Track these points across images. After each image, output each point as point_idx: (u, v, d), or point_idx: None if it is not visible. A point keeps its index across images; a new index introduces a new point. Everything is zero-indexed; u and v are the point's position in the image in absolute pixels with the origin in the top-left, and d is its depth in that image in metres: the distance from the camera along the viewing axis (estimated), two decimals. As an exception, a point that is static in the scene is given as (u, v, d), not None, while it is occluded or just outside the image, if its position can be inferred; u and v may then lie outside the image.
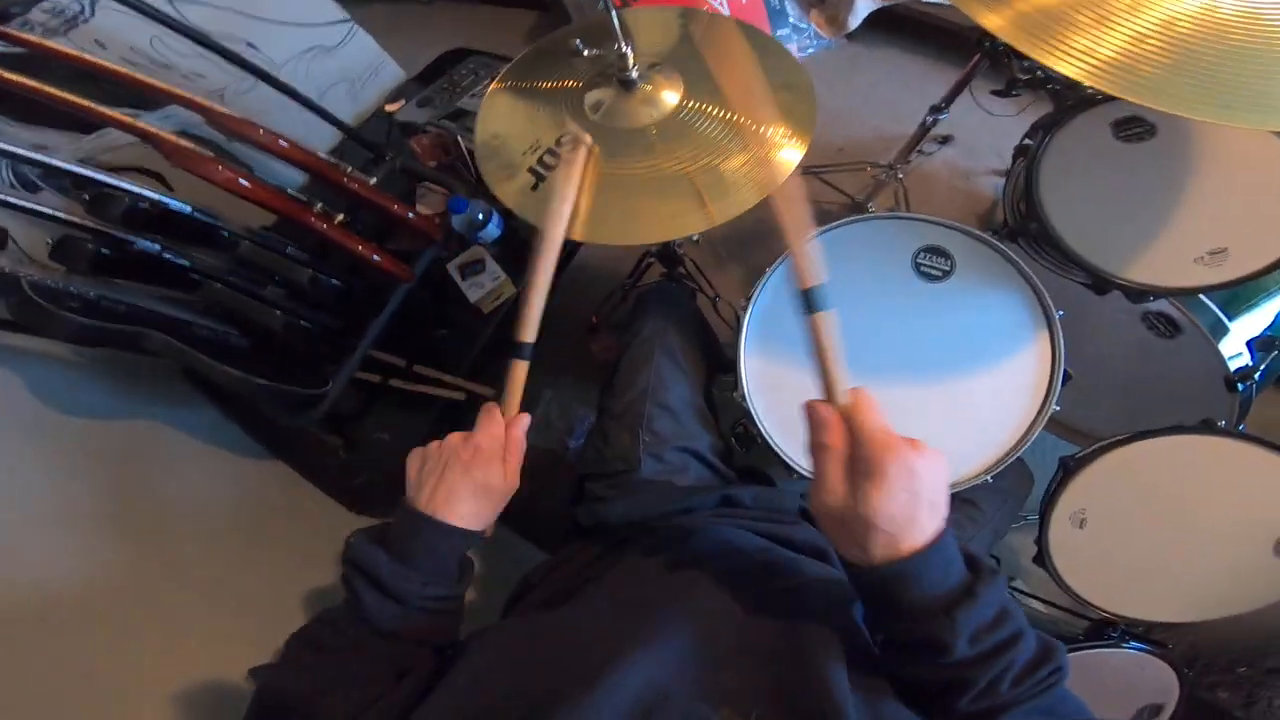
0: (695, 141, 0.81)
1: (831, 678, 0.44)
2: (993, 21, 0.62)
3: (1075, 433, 1.19)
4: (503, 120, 0.90)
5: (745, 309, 0.88)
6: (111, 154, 1.00)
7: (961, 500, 0.84)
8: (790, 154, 0.78)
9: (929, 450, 0.46)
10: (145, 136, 0.82)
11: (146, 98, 0.92)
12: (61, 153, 0.83)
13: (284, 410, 1.06)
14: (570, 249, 1.42)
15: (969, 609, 0.43)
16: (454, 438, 0.61)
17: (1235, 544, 0.84)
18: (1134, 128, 0.92)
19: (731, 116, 0.82)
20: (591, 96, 0.86)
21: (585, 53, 0.84)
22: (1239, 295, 0.96)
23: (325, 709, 0.50)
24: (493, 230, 1.20)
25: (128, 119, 0.81)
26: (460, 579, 0.60)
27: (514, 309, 1.26)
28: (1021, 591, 1.14)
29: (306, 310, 1.05)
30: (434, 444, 0.61)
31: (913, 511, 0.44)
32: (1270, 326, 0.97)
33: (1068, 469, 0.89)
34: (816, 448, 0.48)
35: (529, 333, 0.66)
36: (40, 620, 0.77)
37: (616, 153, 0.82)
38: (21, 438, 0.91)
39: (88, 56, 0.83)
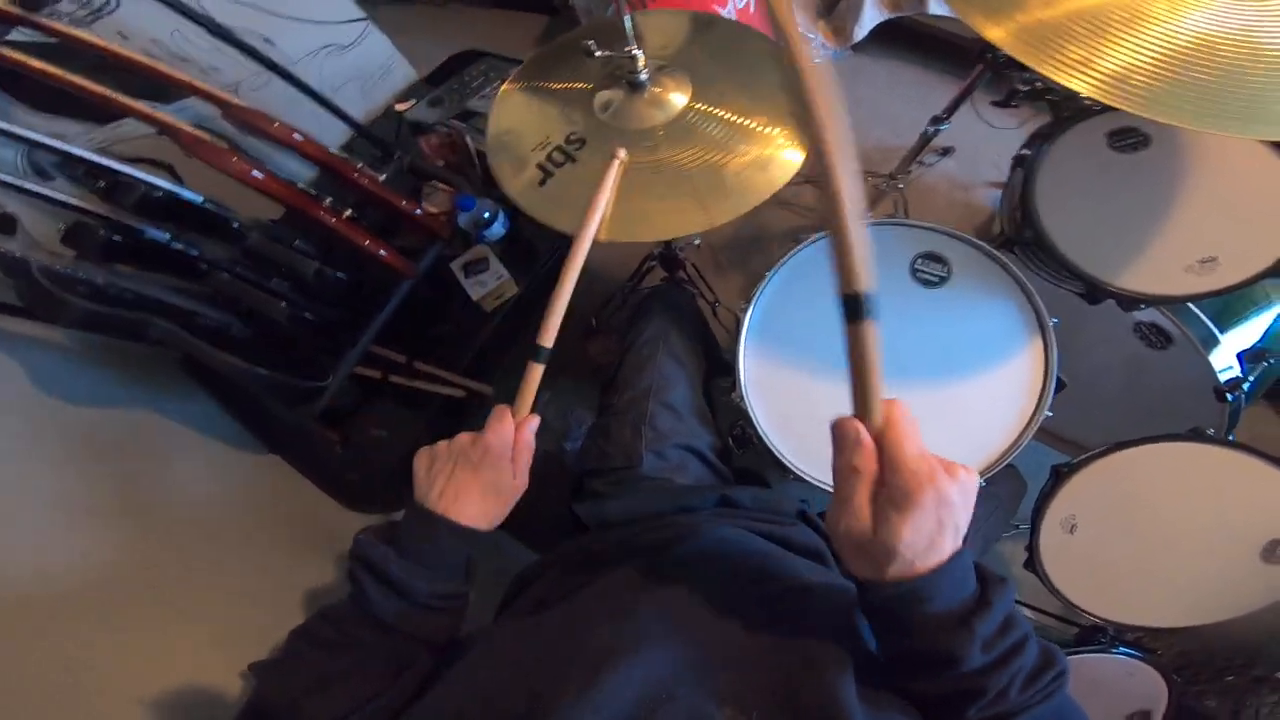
0: (701, 143, 0.83)
1: (836, 682, 0.43)
2: (995, 33, 0.64)
3: (1068, 443, 1.21)
4: (514, 117, 0.92)
5: (745, 312, 0.89)
6: (125, 145, 1.01)
7: None
8: (792, 155, 0.80)
9: (963, 474, 0.44)
10: (164, 128, 0.84)
11: (162, 90, 0.94)
12: (78, 141, 0.84)
13: (284, 402, 1.06)
14: (565, 256, 1.43)
15: (982, 620, 0.42)
16: (463, 438, 0.61)
17: (1222, 551, 0.85)
18: (1129, 138, 0.94)
19: (737, 119, 0.84)
20: (601, 97, 0.88)
21: (597, 54, 0.85)
22: (1230, 308, 0.98)
23: (324, 704, 0.50)
24: (497, 229, 1.22)
25: (148, 109, 0.83)
26: (466, 578, 0.60)
27: (516, 308, 1.28)
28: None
29: (310, 303, 1.05)
30: (443, 443, 0.62)
31: (937, 538, 0.43)
32: (1261, 339, 0.99)
33: (1059, 475, 0.90)
34: (845, 470, 0.44)
35: (549, 338, 0.68)
36: (33, 607, 0.77)
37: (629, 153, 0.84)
38: (19, 425, 0.92)
39: (114, 47, 0.85)
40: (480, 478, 0.59)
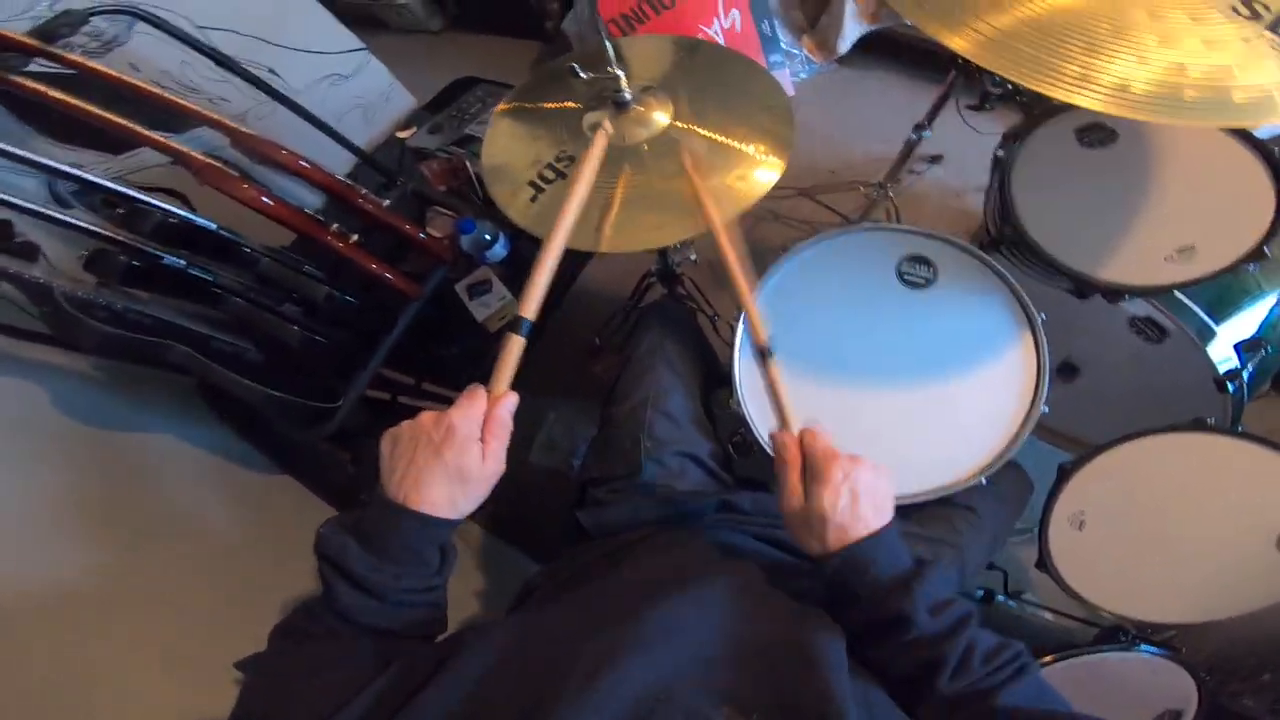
0: (682, 159, 0.86)
1: (833, 681, 0.45)
2: (956, 42, 0.66)
3: (1071, 440, 1.21)
4: (507, 140, 0.95)
5: (739, 319, 0.91)
6: (140, 175, 1.05)
7: (959, 506, 0.85)
8: (768, 174, 0.85)
9: (868, 462, 0.58)
10: (177, 156, 0.87)
11: (174, 120, 0.97)
12: (95, 171, 0.87)
13: (296, 424, 1.09)
14: (572, 271, 1.46)
15: (921, 583, 0.52)
16: (425, 417, 0.56)
17: (1235, 542, 0.84)
18: (1096, 134, 0.97)
19: (717, 136, 0.88)
20: (589, 117, 0.92)
21: (582, 76, 0.89)
22: (1224, 298, 0.98)
23: (312, 696, 0.48)
24: (499, 251, 1.25)
25: (162, 139, 0.86)
26: (440, 569, 0.57)
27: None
28: (1031, 603, 1.15)
29: (321, 326, 1.08)
30: (406, 424, 0.57)
31: (856, 507, 0.56)
32: (1257, 329, 0.99)
33: (1063, 472, 0.90)
34: (779, 465, 0.60)
35: (530, 309, 0.65)
36: (45, 622, 0.79)
37: (611, 168, 0.87)
38: (39, 444, 0.94)
39: (127, 77, 0.88)
40: (443, 462, 0.54)
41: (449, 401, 1.20)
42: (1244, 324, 0.99)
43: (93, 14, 0.87)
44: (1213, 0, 0.64)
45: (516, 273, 1.27)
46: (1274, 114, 0.59)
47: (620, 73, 0.87)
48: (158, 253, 0.89)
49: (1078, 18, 0.64)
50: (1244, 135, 0.92)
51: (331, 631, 0.53)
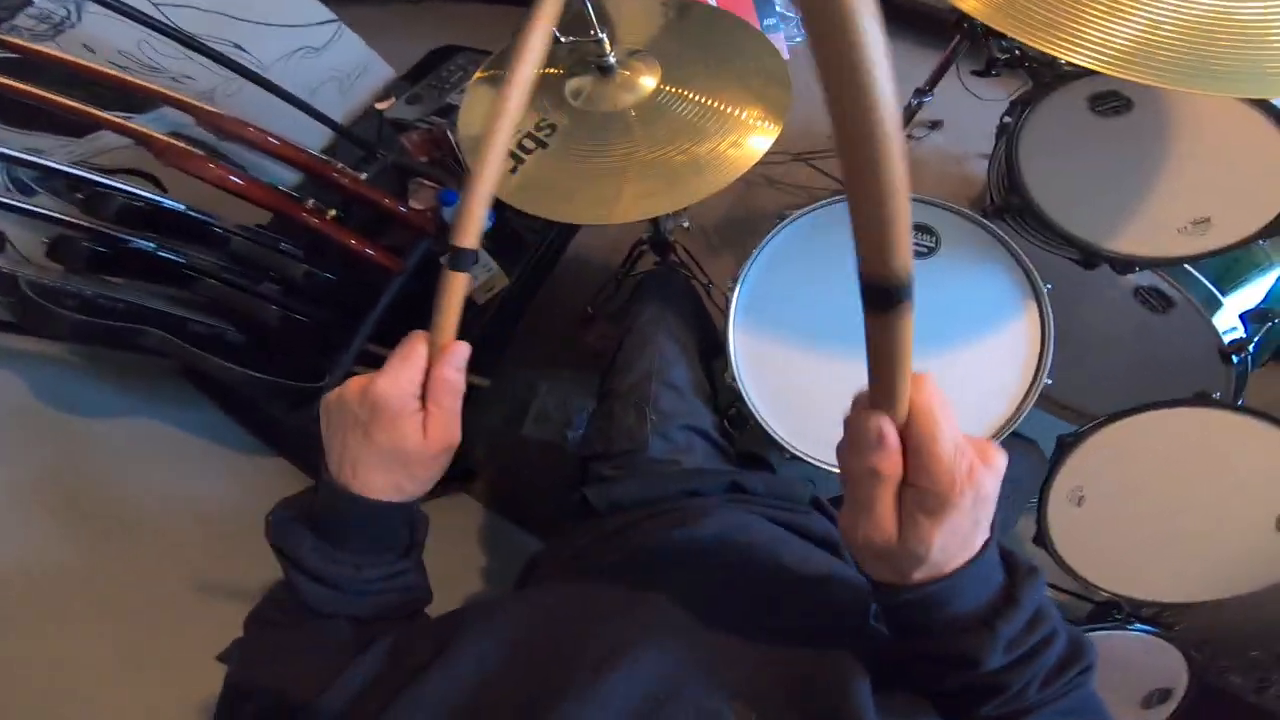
0: (672, 125, 0.83)
1: (849, 678, 0.40)
2: (968, 3, 0.63)
3: (1072, 411, 1.19)
4: (486, 109, 0.91)
5: (732, 291, 0.89)
6: (105, 157, 1.01)
7: None
8: (762, 140, 0.80)
9: (998, 457, 0.38)
10: (136, 137, 0.84)
11: (137, 100, 0.94)
12: (56, 155, 0.84)
13: (282, 405, 1.06)
14: (559, 243, 1.43)
15: (1007, 620, 0.39)
16: (351, 386, 0.46)
17: (1236, 522, 0.83)
18: (1110, 102, 0.93)
19: (708, 101, 0.84)
20: (572, 84, 0.88)
21: (563, 40, 0.85)
22: (1231, 270, 0.96)
23: (294, 682, 0.43)
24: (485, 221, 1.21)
25: (119, 120, 0.82)
26: (407, 551, 0.51)
27: (508, 299, 1.27)
28: None
29: (301, 305, 1.06)
30: (333, 394, 0.47)
31: (970, 538, 0.38)
32: (1264, 300, 0.98)
33: (1063, 446, 0.89)
34: (863, 473, 0.37)
35: (470, 237, 0.49)
36: (35, 611, 0.78)
37: (597, 136, 0.84)
38: (23, 436, 0.93)
39: (78, 60, 0.85)
40: (375, 443, 0.45)
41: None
42: (1251, 294, 0.97)
43: None
44: None
45: (502, 244, 1.24)
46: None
47: (604, 36, 0.83)
48: (123, 236, 0.87)
49: None
50: (1266, 106, 0.88)
51: (299, 621, 0.47)
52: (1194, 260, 0.89)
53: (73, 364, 1.03)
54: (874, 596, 0.43)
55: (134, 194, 0.87)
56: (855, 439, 0.37)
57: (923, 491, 0.36)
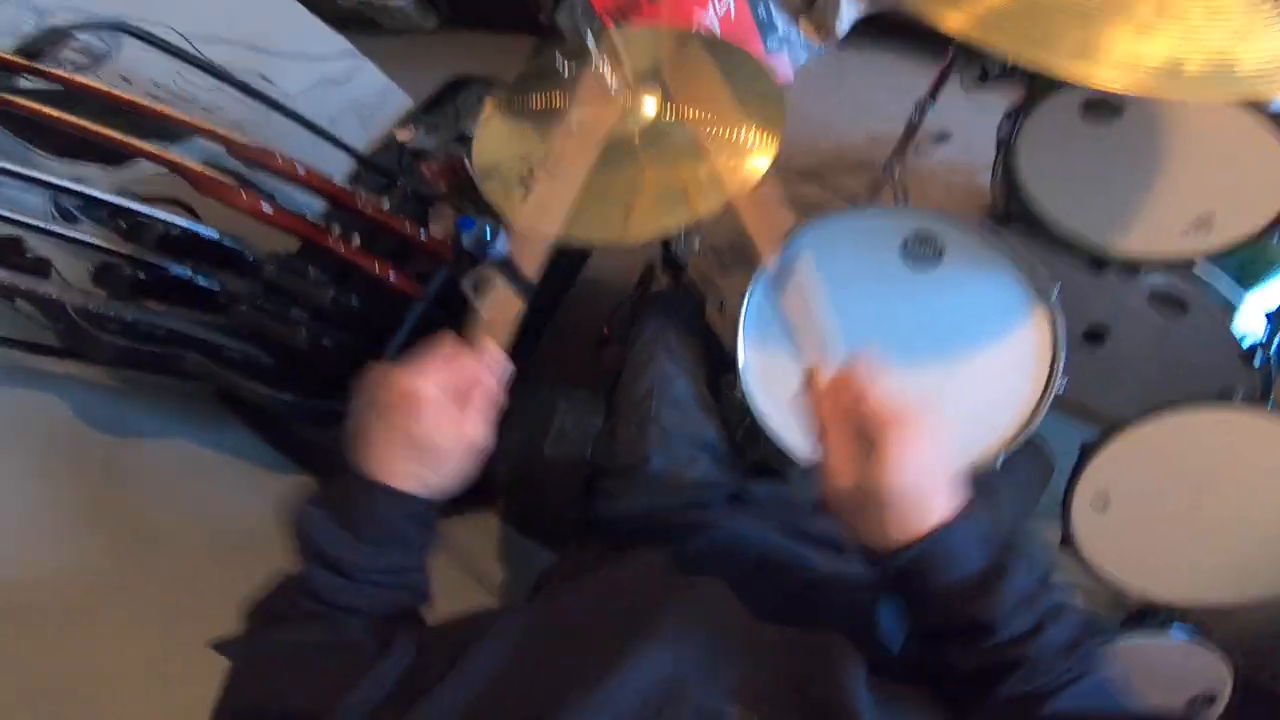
0: (675, 147, 0.86)
1: (848, 681, 0.42)
2: (950, 21, 0.65)
3: (1094, 414, 1.17)
4: (498, 138, 0.95)
5: (742, 305, 0.90)
6: (143, 185, 1.06)
7: (977, 489, 0.84)
8: (761, 160, 0.83)
9: (934, 416, 0.45)
10: (174, 168, 0.88)
11: (171, 130, 0.98)
12: (98, 185, 0.88)
13: (310, 425, 1.10)
14: (573, 268, 1.46)
15: (1010, 578, 0.42)
16: (390, 376, 0.48)
17: (1266, 522, 0.83)
18: (1102, 107, 0.94)
19: (710, 127, 0.86)
20: (576, 113, 0.88)
21: (567, 73, 0.88)
22: (1249, 268, 0.96)
23: (306, 683, 0.44)
24: (501, 248, 1.24)
25: (159, 151, 0.87)
26: (419, 547, 0.52)
27: (524, 323, 1.30)
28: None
29: (328, 330, 1.08)
30: (373, 377, 0.50)
31: (926, 483, 0.43)
32: None
33: (1086, 450, 0.88)
34: (818, 426, 0.47)
35: (531, 268, 0.55)
36: (70, 622, 0.80)
37: (602, 161, 0.85)
38: (61, 457, 0.96)
39: (117, 91, 0.89)
40: (404, 433, 0.47)
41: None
42: (1272, 292, 0.97)
43: (78, 30, 0.87)
44: None
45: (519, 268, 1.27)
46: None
47: (605, 66, 0.85)
48: (163, 264, 0.91)
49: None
50: (1253, 105, 0.90)
51: (309, 614, 0.48)
52: (1200, 260, 0.89)
53: (110, 387, 1.08)
54: (883, 576, 0.47)
55: (171, 221, 0.91)
56: (807, 398, 0.47)
57: (863, 423, 0.43)
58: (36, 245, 0.95)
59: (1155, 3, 0.61)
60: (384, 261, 1.07)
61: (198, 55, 1.03)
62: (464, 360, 0.51)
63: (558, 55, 0.92)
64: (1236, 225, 0.87)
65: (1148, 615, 0.93)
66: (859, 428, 0.44)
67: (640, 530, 0.73)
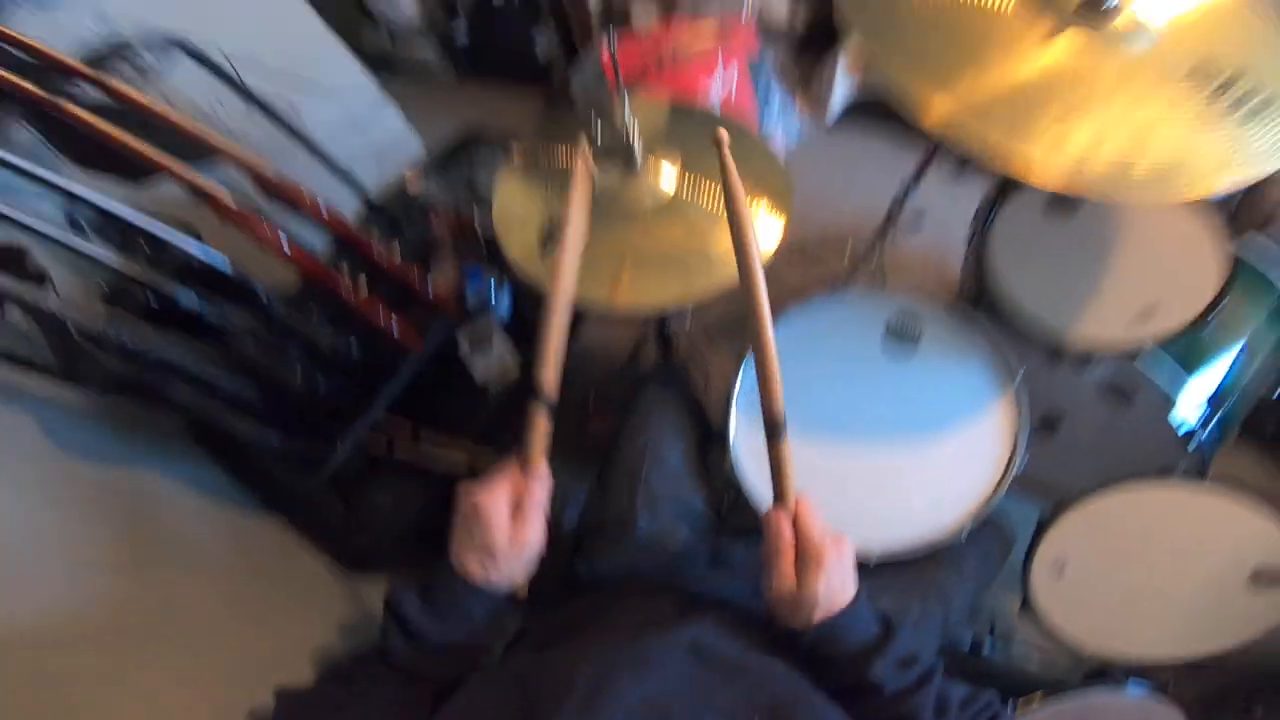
0: (686, 223, 0.90)
1: (822, 709, 0.52)
2: (929, 119, 0.72)
3: (1051, 492, 1.24)
4: (519, 195, 0.97)
5: (734, 386, 0.95)
6: (155, 207, 1.01)
7: (944, 559, 0.89)
8: (768, 240, 0.87)
9: (845, 542, 0.62)
10: (206, 193, 0.88)
11: (195, 154, 0.97)
12: (116, 200, 0.88)
13: (291, 467, 1.10)
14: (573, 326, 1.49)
15: (891, 644, 0.58)
16: (465, 491, 0.60)
17: (1211, 582, 0.90)
18: (1062, 203, 1.04)
19: (717, 204, 0.91)
20: (599, 178, 0.91)
21: (597, 139, 0.91)
22: (1191, 353, 1.04)
23: None
24: (503, 308, 1.25)
25: (196, 177, 0.87)
26: (487, 631, 0.61)
27: (519, 383, 1.29)
28: (1019, 645, 1.16)
29: (322, 371, 1.09)
30: (461, 489, 0.62)
31: (841, 585, 0.59)
32: (1221, 382, 1.05)
33: (1042, 523, 0.95)
34: (771, 550, 0.60)
35: (551, 389, 0.67)
36: (33, 655, 0.79)
37: (616, 229, 0.90)
38: (29, 475, 0.94)
39: (167, 110, 0.90)
40: (471, 537, 0.59)
41: (446, 450, 1.21)
42: (1209, 379, 1.05)
43: (144, 45, 0.90)
44: (1162, 75, 0.72)
45: (518, 330, 1.28)
46: (1212, 186, 0.67)
47: (634, 139, 0.89)
48: (175, 292, 0.90)
49: (1031, 96, 0.72)
50: (1189, 202, 1.00)
51: (375, 676, 0.57)
52: (1144, 348, 0.98)
53: (77, 411, 1.04)
54: (799, 644, 0.60)
55: (191, 251, 0.91)
56: (767, 528, 0.61)
57: (806, 554, 0.59)
58: (39, 257, 0.92)
59: (1104, 112, 0.70)
60: (389, 311, 1.08)
61: (242, 83, 1.03)
62: (515, 476, 0.62)
63: (585, 118, 0.95)
64: (1177, 314, 0.96)
65: (1105, 673, 0.97)
66: (803, 547, 0.59)
67: (621, 587, 0.77)
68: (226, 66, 1.04)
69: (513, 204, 0.97)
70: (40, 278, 0.92)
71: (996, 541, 0.99)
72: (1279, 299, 1.07)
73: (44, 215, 0.87)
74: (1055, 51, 0.73)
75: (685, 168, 0.95)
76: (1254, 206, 1.40)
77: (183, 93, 1.17)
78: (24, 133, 0.92)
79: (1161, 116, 0.70)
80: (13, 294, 0.84)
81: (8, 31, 0.90)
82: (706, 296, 0.85)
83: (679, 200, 0.92)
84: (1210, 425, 1.02)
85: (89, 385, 0.93)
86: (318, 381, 1.05)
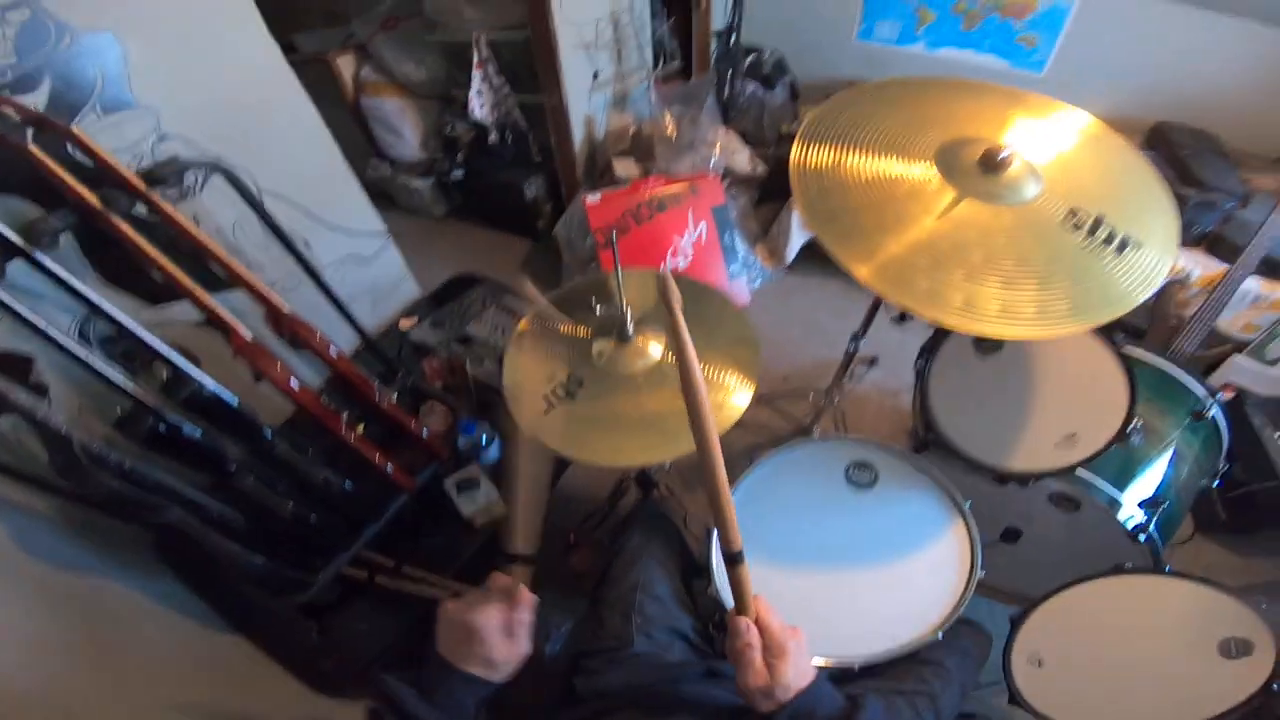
0: (673, 387, 0.93)
1: None
2: (860, 272, 0.84)
3: (1019, 597, 1.34)
4: (528, 358, 1.03)
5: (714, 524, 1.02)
6: (164, 330, 1.01)
7: (928, 662, 0.95)
8: (741, 398, 0.96)
9: (800, 631, 0.70)
10: (225, 326, 0.91)
11: (214, 280, 1.00)
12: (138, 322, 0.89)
13: (264, 590, 1.09)
14: (554, 477, 1.54)
15: (862, 714, 0.68)
16: (457, 614, 0.70)
17: (1182, 658, 0.95)
18: (987, 342, 1.19)
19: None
20: (596, 345, 1.02)
21: (597, 310, 1.01)
22: (1125, 468, 1.16)
23: None
24: (492, 454, 1.32)
25: (225, 313, 0.90)
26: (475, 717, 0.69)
27: (502, 526, 1.32)
28: None
29: (311, 504, 1.11)
30: (446, 610, 0.71)
31: (805, 669, 0.68)
32: (1157, 488, 1.16)
33: (1014, 622, 1.03)
34: (741, 648, 0.68)
35: (528, 546, 0.80)
36: None
37: (613, 393, 0.98)
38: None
39: (205, 238, 0.90)
40: (473, 653, 0.69)
41: (427, 583, 1.21)
42: (1145, 485, 1.16)
43: (191, 165, 0.92)
44: (1050, 219, 0.84)
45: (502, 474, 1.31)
46: (1101, 316, 0.78)
47: (628, 310, 0.97)
48: (181, 421, 0.92)
49: (941, 255, 0.83)
50: (1100, 332, 1.13)
51: None
52: (1071, 469, 1.09)
53: (49, 520, 1.04)
54: None
55: (203, 382, 0.93)
56: (733, 630, 0.68)
57: (771, 649, 0.67)
58: (42, 369, 0.92)
59: (1003, 260, 0.82)
60: (384, 452, 1.11)
61: (267, 214, 1.06)
62: (505, 599, 0.72)
63: (588, 291, 1.03)
64: (1095, 439, 1.07)
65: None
66: (767, 642, 0.67)
67: (617, 704, 0.83)
68: (256, 195, 1.07)
69: (523, 369, 1.03)
70: (41, 389, 0.92)
71: (974, 641, 1.06)
72: (1192, 407, 1.19)
73: (60, 327, 0.88)
74: (960, 213, 0.86)
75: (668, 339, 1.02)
76: (1161, 321, 1.63)
77: (211, 215, 1.22)
78: (69, 241, 0.95)
79: (1053, 256, 0.83)
80: (13, 403, 0.82)
81: (84, 140, 0.92)
82: (687, 453, 0.89)
83: (665, 364, 1.01)
84: (1154, 521, 1.12)
85: (85, 501, 0.92)
86: (308, 513, 1.06)
